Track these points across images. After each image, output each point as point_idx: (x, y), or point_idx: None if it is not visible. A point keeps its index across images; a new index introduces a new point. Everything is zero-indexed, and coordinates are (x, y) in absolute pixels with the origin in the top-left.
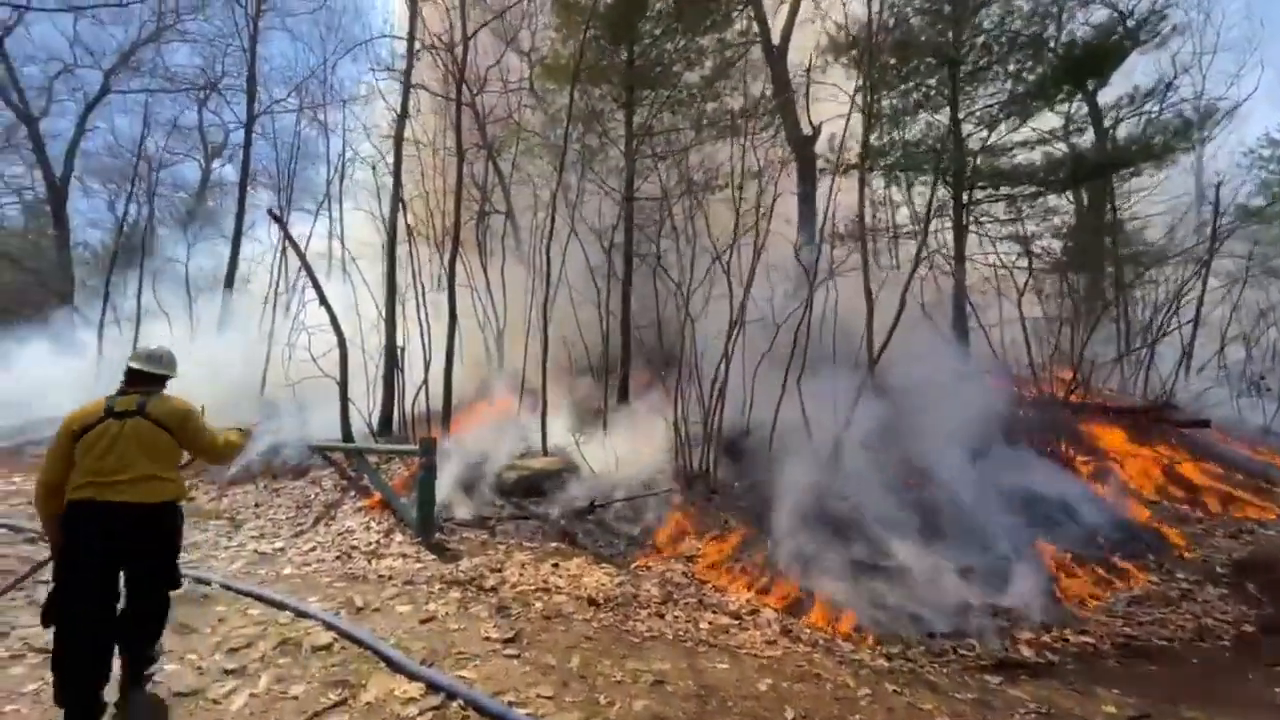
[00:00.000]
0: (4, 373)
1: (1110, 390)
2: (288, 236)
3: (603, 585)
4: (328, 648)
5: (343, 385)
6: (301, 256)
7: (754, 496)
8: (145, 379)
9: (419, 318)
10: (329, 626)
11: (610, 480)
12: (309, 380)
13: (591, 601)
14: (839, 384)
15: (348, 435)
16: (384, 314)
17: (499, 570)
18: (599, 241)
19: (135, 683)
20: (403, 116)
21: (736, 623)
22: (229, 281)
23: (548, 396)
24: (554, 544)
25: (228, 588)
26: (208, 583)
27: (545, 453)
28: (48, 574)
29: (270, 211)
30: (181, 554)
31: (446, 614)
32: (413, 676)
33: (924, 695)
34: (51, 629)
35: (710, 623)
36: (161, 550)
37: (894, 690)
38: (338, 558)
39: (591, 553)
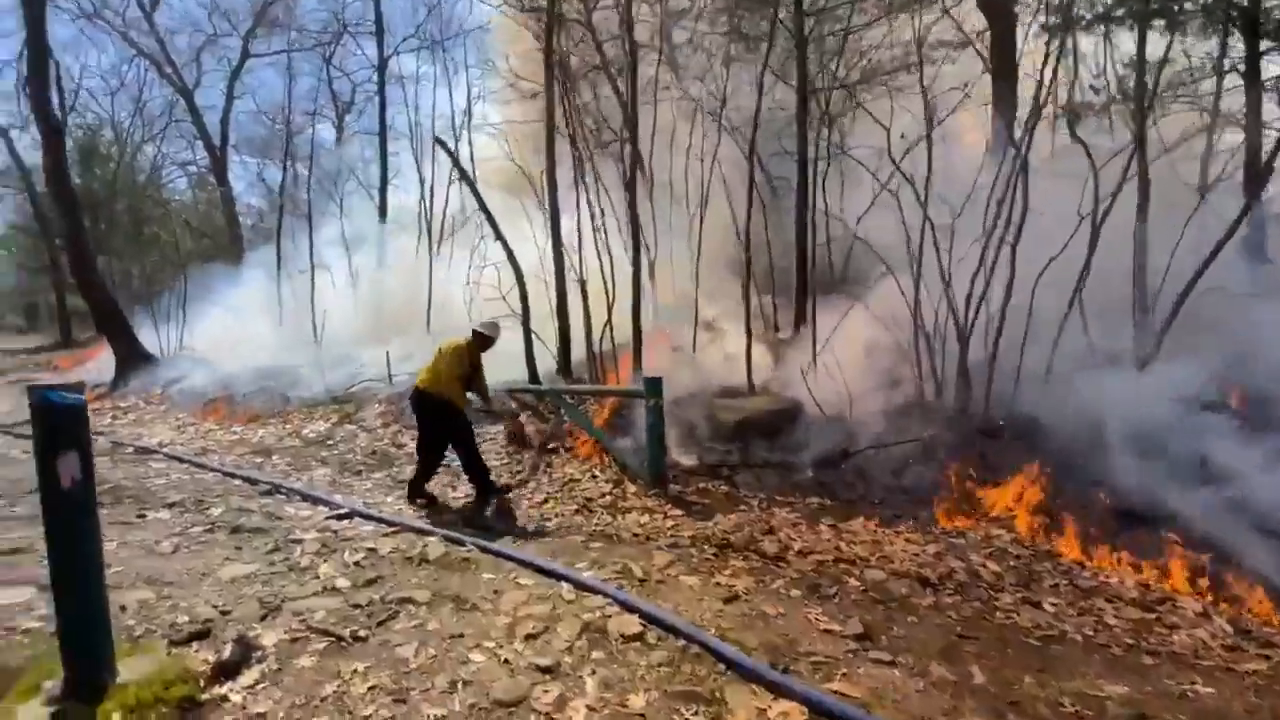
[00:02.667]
0: (203, 331)
1: None
2: (457, 165)
3: (915, 556)
4: (641, 638)
5: (525, 323)
6: (472, 185)
7: (1045, 437)
8: (475, 333)
9: (596, 246)
10: (627, 608)
11: (843, 420)
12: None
13: (923, 581)
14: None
15: (534, 376)
16: (550, 241)
17: (771, 532)
18: (751, 145)
19: (480, 495)
20: (550, 27)
21: (1152, 616)
22: (382, 202)
23: (750, 327)
24: (813, 499)
25: (485, 550)
26: (461, 543)
27: (752, 389)
28: None
29: (438, 139)
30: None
31: (747, 591)
32: (779, 692)
33: None
34: None
35: (1116, 615)
36: (447, 424)
37: None
38: (577, 512)
39: (864, 511)
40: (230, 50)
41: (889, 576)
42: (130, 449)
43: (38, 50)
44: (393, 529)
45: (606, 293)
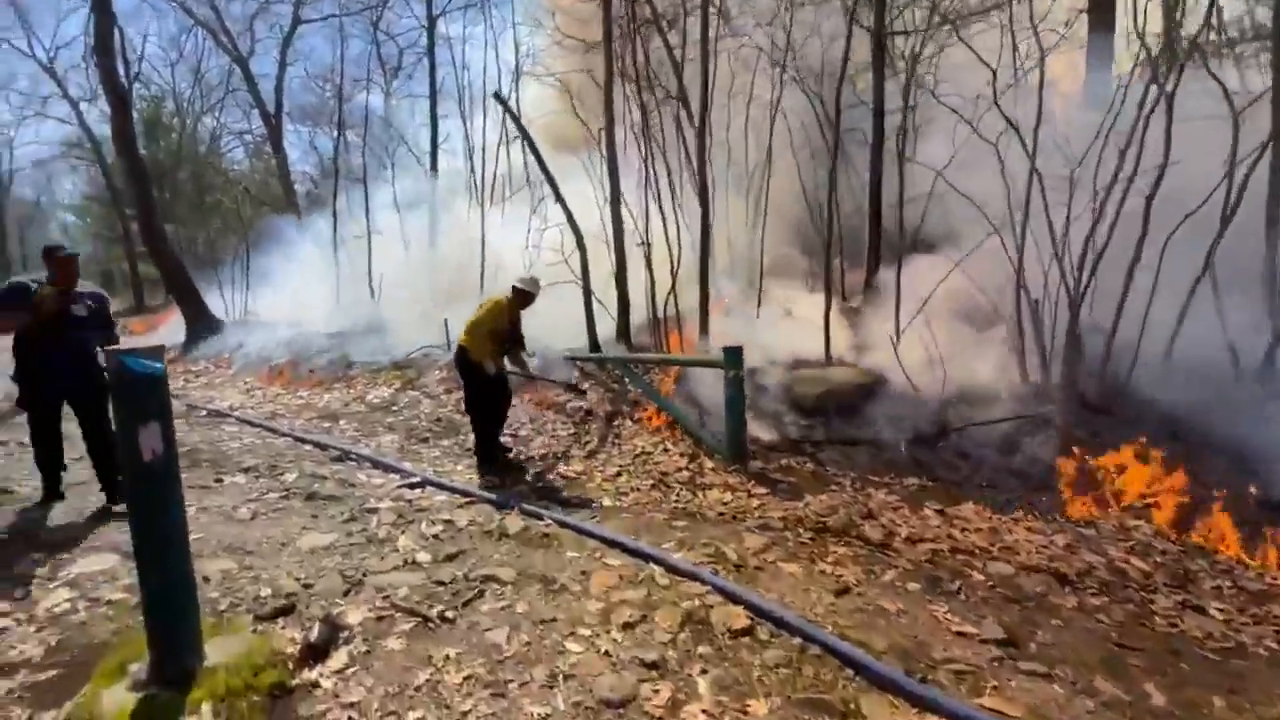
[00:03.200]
0: (265, 296)
1: None
2: (517, 122)
3: (1044, 548)
4: (750, 633)
5: (586, 289)
6: (532, 144)
7: (1169, 416)
8: (514, 289)
9: (660, 207)
10: (731, 598)
11: (936, 394)
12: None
13: (1059, 577)
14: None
15: (594, 343)
16: (608, 202)
17: (871, 516)
18: (837, 96)
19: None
20: None
21: None
22: (433, 165)
23: (831, 291)
24: (911, 480)
25: (564, 524)
26: (540, 517)
27: (829, 360)
28: None
29: (496, 94)
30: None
31: (858, 582)
32: (923, 706)
33: None
34: None
35: None
36: (472, 375)
37: None
38: (654, 487)
39: (972, 495)
40: (282, 17)
41: (1018, 571)
42: (204, 412)
43: (104, 19)
44: (468, 499)
45: (670, 256)
